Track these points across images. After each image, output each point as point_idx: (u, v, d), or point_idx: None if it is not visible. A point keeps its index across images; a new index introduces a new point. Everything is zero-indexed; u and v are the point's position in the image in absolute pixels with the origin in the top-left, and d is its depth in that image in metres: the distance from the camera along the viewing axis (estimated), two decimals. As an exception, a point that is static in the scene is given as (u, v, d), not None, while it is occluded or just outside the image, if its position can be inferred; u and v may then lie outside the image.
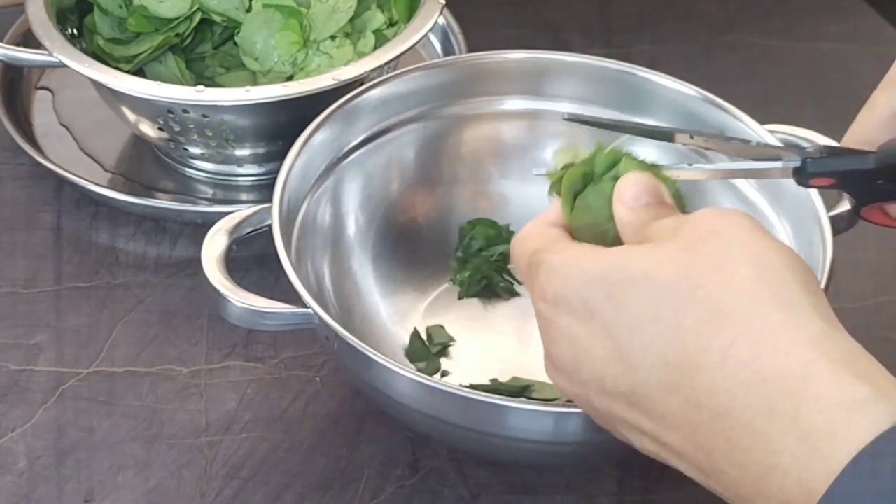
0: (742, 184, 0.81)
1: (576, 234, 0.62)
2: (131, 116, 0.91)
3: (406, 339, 0.82)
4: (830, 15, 1.13)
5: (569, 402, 0.67)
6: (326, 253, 0.81)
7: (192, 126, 0.88)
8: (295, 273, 0.71)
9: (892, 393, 0.50)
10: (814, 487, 0.49)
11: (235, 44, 0.93)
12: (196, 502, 0.74)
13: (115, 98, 0.90)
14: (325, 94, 0.85)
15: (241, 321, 0.72)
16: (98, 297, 0.86)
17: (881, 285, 0.89)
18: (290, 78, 0.92)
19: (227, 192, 0.94)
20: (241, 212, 0.76)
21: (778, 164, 0.65)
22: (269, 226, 0.75)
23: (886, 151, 0.65)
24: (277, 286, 0.80)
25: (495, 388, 0.78)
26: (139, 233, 0.91)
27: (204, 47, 0.95)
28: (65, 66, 0.88)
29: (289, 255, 0.73)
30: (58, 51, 0.88)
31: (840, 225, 0.77)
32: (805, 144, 0.81)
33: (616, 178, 0.62)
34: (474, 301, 0.85)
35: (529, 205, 0.85)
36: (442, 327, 0.82)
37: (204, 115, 0.87)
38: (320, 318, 0.69)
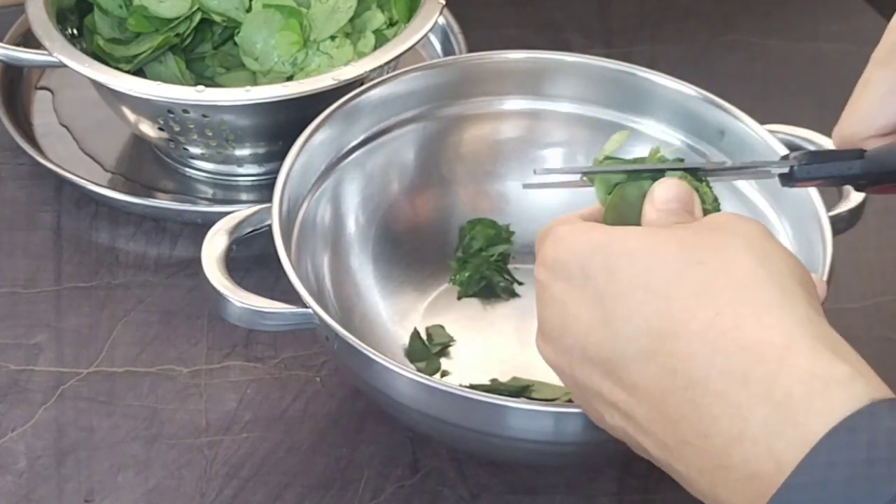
0: (742, 184, 0.81)
1: (605, 220, 0.63)
2: (131, 116, 0.91)
3: (406, 339, 0.82)
4: (830, 15, 1.13)
5: (569, 402, 0.67)
6: (326, 253, 0.81)
7: (192, 126, 0.88)
8: (295, 273, 0.71)
9: (871, 375, 0.51)
10: (784, 459, 0.49)
11: (235, 44, 0.93)
12: (196, 502, 0.74)
13: (115, 98, 0.90)
14: (325, 94, 0.85)
15: (241, 321, 0.72)
16: (98, 297, 0.86)
17: (881, 285, 0.89)
18: (290, 78, 0.92)
19: (227, 192, 0.94)
20: (241, 212, 0.76)
21: (767, 174, 0.66)
22: (269, 226, 0.75)
23: (872, 158, 0.64)
24: (277, 286, 0.80)
25: (495, 388, 0.78)
26: (139, 233, 0.91)
27: (204, 47, 0.95)
28: (65, 66, 0.88)
29: (289, 255, 0.73)
30: (58, 51, 0.88)
31: (840, 225, 0.77)
32: (805, 145, 0.81)
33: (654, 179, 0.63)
34: (474, 301, 0.85)
35: (529, 205, 0.85)
36: (442, 327, 0.82)
37: (204, 115, 0.87)
38: (320, 318, 0.69)
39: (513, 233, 0.85)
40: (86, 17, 0.95)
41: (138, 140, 0.96)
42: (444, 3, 0.92)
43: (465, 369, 0.80)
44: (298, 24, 0.92)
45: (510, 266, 0.86)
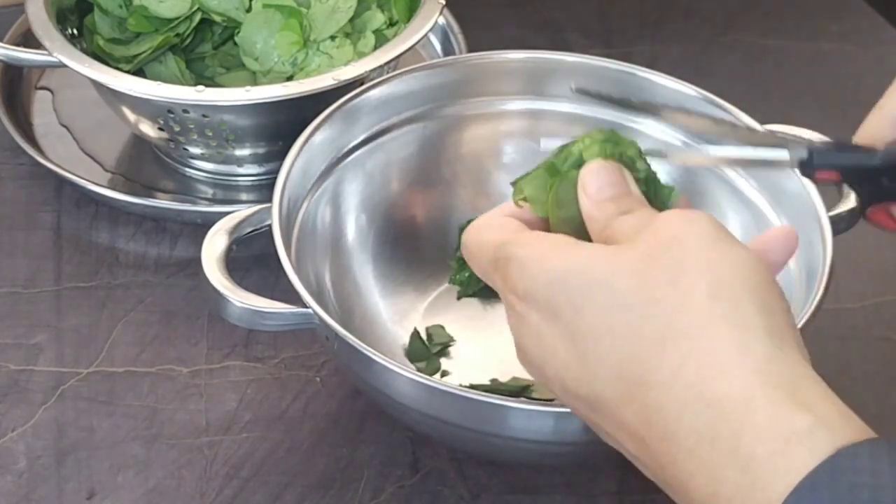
0: (742, 183, 0.81)
1: (555, 230, 0.62)
2: (131, 116, 0.91)
3: (406, 339, 0.82)
4: (830, 15, 1.13)
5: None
6: (326, 253, 0.81)
7: (192, 126, 0.88)
8: (295, 273, 0.71)
9: (833, 421, 0.50)
10: None
11: (235, 44, 0.93)
12: (196, 502, 0.74)
13: (115, 98, 0.90)
14: (325, 94, 0.85)
15: (241, 321, 0.72)
16: (98, 297, 0.86)
17: (881, 285, 0.88)
18: (290, 78, 0.92)
19: (227, 192, 0.94)
20: (241, 212, 0.76)
21: (784, 154, 0.65)
22: (269, 226, 0.75)
23: (892, 150, 0.65)
24: (277, 286, 0.80)
25: (495, 388, 0.78)
26: (139, 233, 0.91)
27: (204, 47, 0.95)
28: (65, 66, 0.88)
29: (289, 255, 0.73)
30: (58, 51, 0.88)
31: (840, 225, 0.77)
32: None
33: (580, 167, 0.61)
34: (474, 301, 0.85)
35: (529, 205, 0.85)
36: (442, 327, 0.82)
37: (204, 115, 0.87)
38: (320, 318, 0.69)
39: (513, 233, 0.85)
40: (86, 17, 0.95)
41: (138, 140, 0.96)
42: (444, 3, 0.92)
43: (465, 369, 0.80)
44: (298, 24, 0.92)
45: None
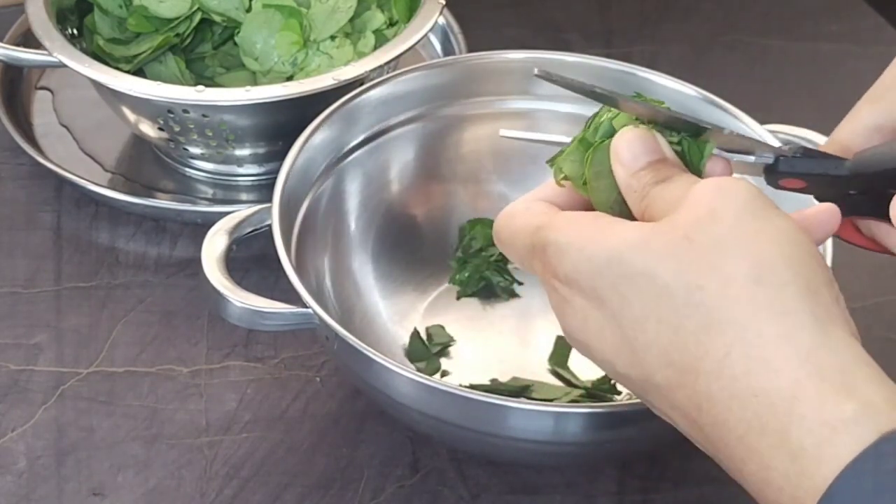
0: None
1: (596, 203, 0.61)
2: (131, 116, 0.91)
3: (406, 339, 0.82)
4: (830, 15, 1.13)
5: (569, 402, 0.67)
6: (326, 253, 0.81)
7: (192, 126, 0.88)
8: (295, 273, 0.71)
9: (879, 405, 0.50)
10: None
11: (235, 44, 0.93)
12: (196, 502, 0.74)
13: (115, 98, 0.90)
14: (325, 94, 0.85)
15: (241, 321, 0.72)
16: (98, 297, 0.86)
17: (881, 285, 0.89)
18: (290, 78, 0.92)
19: (227, 192, 0.94)
20: (241, 212, 0.76)
21: (750, 159, 0.63)
22: (269, 226, 0.75)
23: (860, 160, 0.64)
24: (277, 286, 0.80)
25: (495, 388, 0.78)
26: (139, 233, 0.91)
27: (204, 47, 0.95)
28: (65, 66, 0.88)
29: (289, 255, 0.73)
30: (58, 51, 0.88)
31: (840, 225, 0.77)
32: (799, 142, 0.81)
33: (612, 136, 0.60)
34: (474, 301, 0.85)
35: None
36: (442, 327, 0.82)
37: (204, 115, 0.87)
38: (320, 318, 0.69)
39: (513, 233, 0.85)
40: (86, 17, 0.95)
41: (138, 140, 0.96)
42: (444, 3, 0.92)
43: (465, 369, 0.80)
44: (298, 24, 0.92)
45: (510, 266, 0.86)
